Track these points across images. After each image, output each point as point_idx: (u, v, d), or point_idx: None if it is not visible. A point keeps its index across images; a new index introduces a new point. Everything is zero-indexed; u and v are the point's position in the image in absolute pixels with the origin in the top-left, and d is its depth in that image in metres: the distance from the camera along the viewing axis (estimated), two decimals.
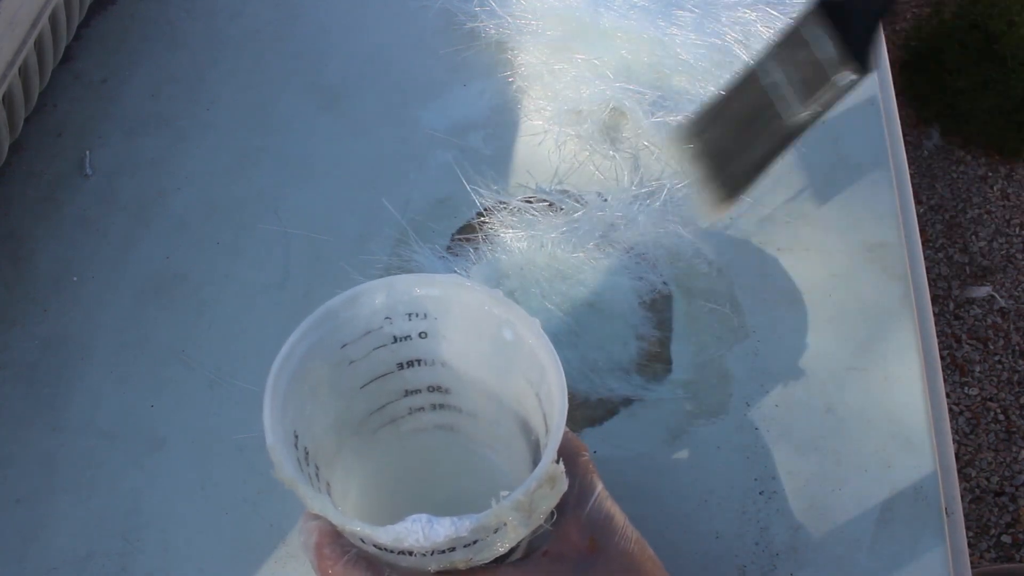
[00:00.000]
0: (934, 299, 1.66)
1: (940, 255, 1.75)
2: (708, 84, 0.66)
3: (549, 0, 0.71)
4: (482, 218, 0.62)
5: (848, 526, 0.51)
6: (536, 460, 0.39)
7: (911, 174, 0.67)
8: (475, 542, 0.35)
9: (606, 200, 0.63)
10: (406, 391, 0.44)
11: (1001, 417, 1.55)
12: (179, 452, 0.54)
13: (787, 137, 0.50)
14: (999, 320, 1.66)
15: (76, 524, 0.52)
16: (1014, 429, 1.54)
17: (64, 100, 0.70)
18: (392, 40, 0.74)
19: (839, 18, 0.48)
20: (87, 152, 0.67)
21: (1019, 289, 1.70)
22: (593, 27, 0.68)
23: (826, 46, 0.48)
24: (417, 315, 0.41)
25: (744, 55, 0.66)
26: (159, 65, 0.72)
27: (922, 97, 1.88)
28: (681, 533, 0.51)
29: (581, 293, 0.58)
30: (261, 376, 0.37)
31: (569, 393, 0.37)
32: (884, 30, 0.64)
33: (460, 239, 0.62)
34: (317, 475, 0.40)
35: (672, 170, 0.64)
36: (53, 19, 0.65)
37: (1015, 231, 1.78)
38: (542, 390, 0.39)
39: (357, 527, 0.34)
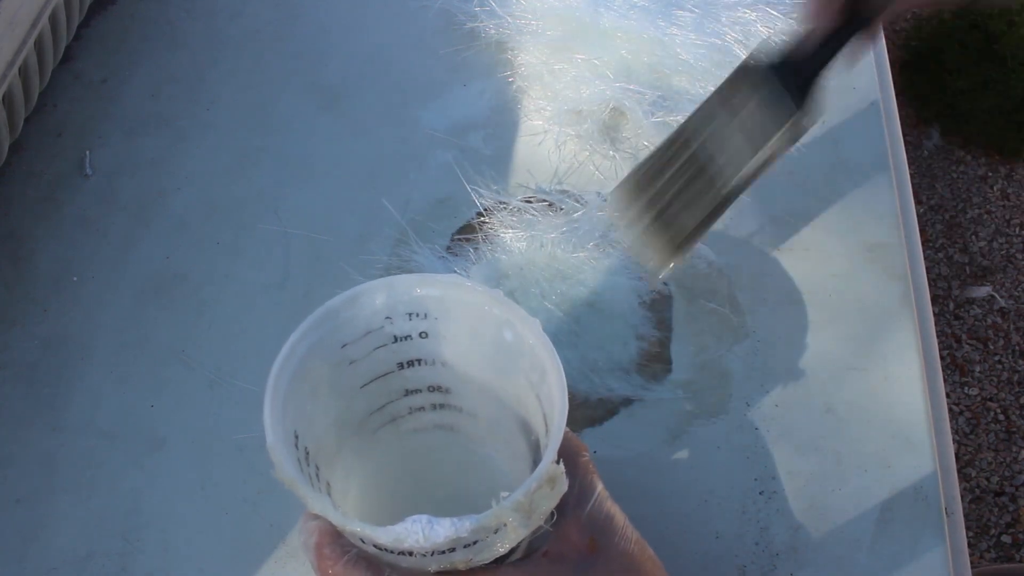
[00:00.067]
0: (934, 299, 1.66)
1: (940, 255, 1.75)
2: (708, 84, 0.66)
3: (549, 0, 0.71)
4: (482, 218, 0.62)
5: (848, 526, 0.51)
6: (536, 460, 0.39)
7: (911, 174, 0.67)
8: (475, 542, 0.35)
9: (606, 200, 0.63)
10: (406, 391, 0.44)
11: (1001, 417, 1.55)
12: (179, 452, 0.54)
13: (727, 200, 0.49)
14: (999, 320, 1.66)
15: (76, 524, 0.52)
16: (1014, 429, 1.54)
17: (64, 100, 0.70)
18: (392, 40, 0.74)
19: (781, 67, 0.47)
20: (87, 152, 0.67)
21: (1019, 289, 1.70)
22: (593, 27, 0.68)
23: (764, 98, 0.47)
24: (418, 315, 0.41)
25: (744, 55, 0.66)
26: (159, 65, 0.72)
27: (922, 97, 1.88)
28: (681, 533, 0.51)
29: (581, 293, 0.58)
30: (261, 376, 0.37)
31: (569, 393, 0.37)
32: (884, 30, 0.64)
33: (460, 239, 0.62)
34: (317, 475, 0.40)
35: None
36: (53, 19, 0.65)
37: (1015, 231, 1.78)
38: (542, 391, 0.39)
39: (357, 527, 0.34)
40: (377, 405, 0.44)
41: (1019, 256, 1.75)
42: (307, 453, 0.39)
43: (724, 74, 0.65)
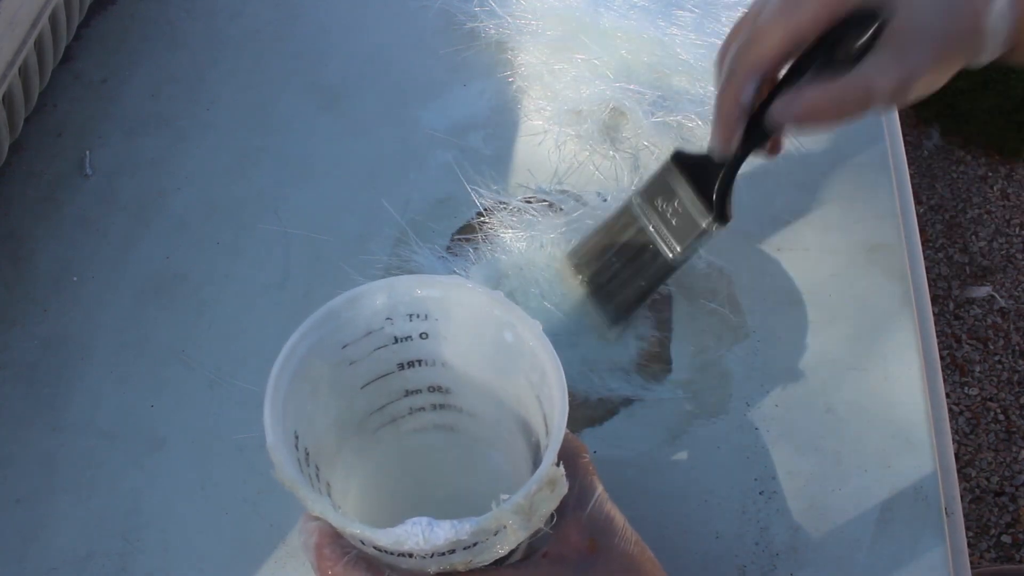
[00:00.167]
0: (934, 299, 1.66)
1: (940, 255, 1.75)
2: (708, 84, 0.66)
3: (549, 0, 0.71)
4: (482, 218, 0.62)
5: (848, 526, 0.51)
6: (536, 461, 0.39)
7: (911, 174, 0.67)
8: (475, 544, 0.35)
9: (606, 200, 0.63)
10: (407, 391, 0.44)
11: (1001, 417, 1.55)
12: (179, 452, 0.54)
13: (667, 272, 0.56)
14: (999, 320, 1.66)
15: (76, 524, 0.52)
16: (1014, 429, 1.54)
17: (64, 100, 0.70)
18: (392, 40, 0.74)
19: (699, 170, 0.53)
20: (87, 152, 0.67)
21: (1019, 289, 1.70)
22: (593, 27, 0.68)
23: (686, 198, 0.54)
24: (418, 316, 0.41)
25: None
26: (159, 65, 0.72)
27: None
28: (681, 533, 0.51)
29: (581, 293, 0.58)
30: (261, 376, 0.37)
31: (569, 393, 0.37)
32: None
33: (460, 239, 0.62)
34: (317, 475, 0.40)
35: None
36: (53, 19, 0.65)
37: (1015, 231, 1.78)
38: (543, 392, 0.39)
39: (357, 529, 0.34)
40: (377, 405, 0.44)
41: (1019, 256, 1.75)
42: (307, 453, 0.39)
43: None
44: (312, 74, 0.72)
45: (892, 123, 0.68)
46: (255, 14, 0.76)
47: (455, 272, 0.60)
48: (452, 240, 0.62)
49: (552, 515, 0.36)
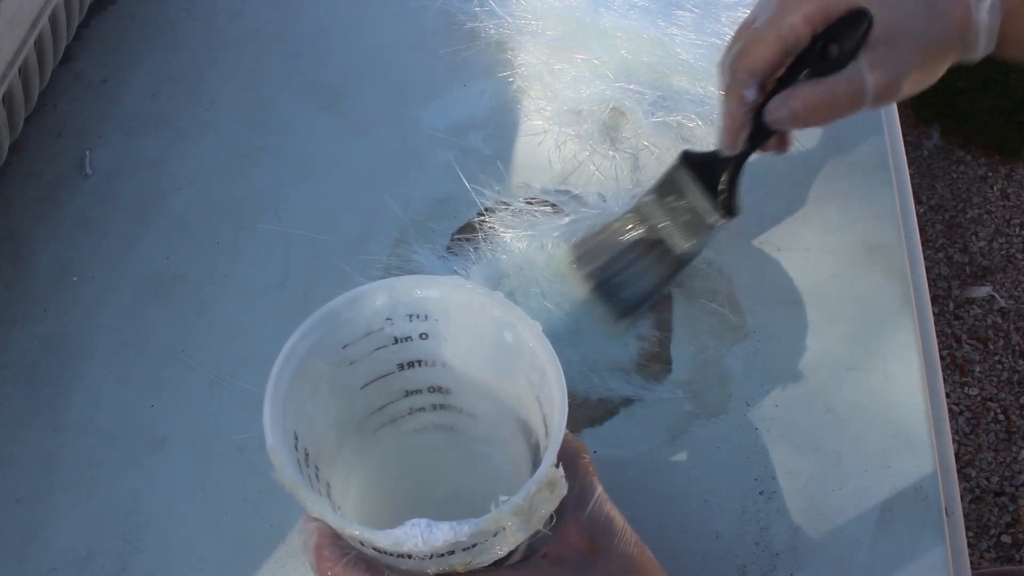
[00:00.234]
0: (934, 299, 1.66)
1: (940, 255, 1.75)
2: (708, 84, 0.66)
3: (549, 0, 0.71)
4: (482, 218, 0.62)
5: (848, 526, 0.51)
6: (536, 461, 0.39)
7: (911, 174, 0.67)
8: (474, 545, 0.35)
9: (606, 200, 0.63)
10: (407, 391, 0.44)
11: (1001, 417, 1.55)
12: (179, 452, 0.54)
13: (678, 267, 0.58)
14: (999, 320, 1.66)
15: (76, 524, 0.52)
16: (1014, 429, 1.54)
17: (64, 100, 0.70)
18: (392, 40, 0.74)
19: (706, 168, 0.55)
20: (87, 152, 0.67)
21: (1019, 289, 1.70)
22: (593, 27, 0.68)
23: (695, 195, 0.56)
24: (418, 316, 0.41)
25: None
26: (159, 65, 0.72)
27: (922, 97, 1.87)
28: (681, 533, 0.51)
29: (586, 287, 0.58)
30: (261, 376, 0.37)
31: (569, 394, 0.37)
32: None
33: (460, 239, 0.62)
34: (317, 475, 0.40)
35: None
36: (53, 19, 0.65)
37: (1015, 231, 1.78)
38: (542, 393, 0.39)
39: (356, 531, 0.34)
40: (377, 405, 0.44)
41: (1019, 256, 1.75)
42: (307, 454, 0.39)
43: None
44: (312, 74, 0.72)
45: (892, 123, 0.68)
46: (255, 14, 0.76)
47: (456, 272, 0.60)
48: (452, 240, 0.62)
49: (551, 516, 0.36)
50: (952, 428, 1.33)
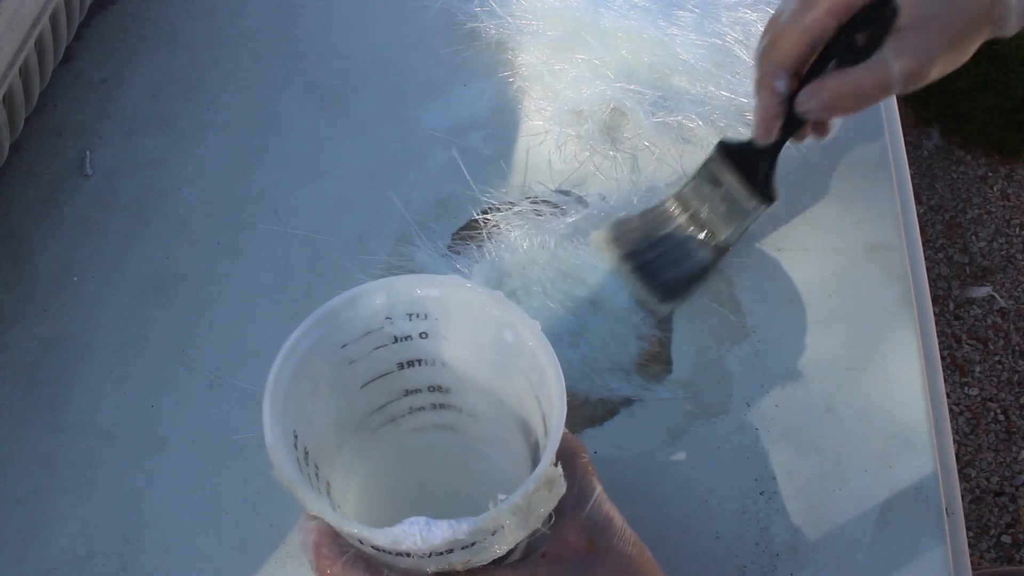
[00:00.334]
0: (934, 299, 1.66)
1: (940, 255, 1.75)
2: (708, 84, 0.66)
3: (549, 0, 0.71)
4: (483, 217, 0.62)
5: (848, 526, 0.51)
6: (535, 460, 0.39)
7: (911, 174, 0.67)
8: (473, 544, 0.35)
9: (606, 200, 0.63)
10: (406, 390, 0.44)
11: (1001, 417, 1.55)
12: (179, 452, 0.54)
13: (721, 252, 0.59)
14: (999, 320, 1.66)
15: (76, 524, 0.52)
16: (1014, 429, 1.54)
17: (64, 100, 0.70)
18: (392, 40, 0.74)
19: (743, 157, 0.57)
20: (87, 152, 0.67)
21: (1019, 289, 1.70)
22: (593, 27, 0.68)
23: (734, 183, 0.57)
24: (418, 315, 0.41)
25: (744, 55, 0.66)
26: (159, 65, 0.72)
27: (922, 97, 1.88)
28: (681, 533, 0.51)
29: (582, 292, 0.58)
30: (261, 376, 0.37)
31: (569, 393, 0.37)
32: None
33: (461, 238, 0.62)
34: (317, 475, 0.40)
35: (672, 171, 0.64)
36: (53, 19, 0.65)
37: (1015, 231, 1.78)
38: (542, 392, 0.39)
39: (355, 529, 0.34)
40: (377, 405, 0.44)
41: (1019, 256, 1.75)
42: (306, 453, 0.39)
43: (724, 74, 0.66)
44: (312, 74, 0.72)
45: (892, 123, 0.68)
46: (255, 14, 0.76)
47: (458, 271, 0.60)
48: (453, 240, 0.62)
49: (550, 515, 0.36)
50: (952, 428, 1.33)
